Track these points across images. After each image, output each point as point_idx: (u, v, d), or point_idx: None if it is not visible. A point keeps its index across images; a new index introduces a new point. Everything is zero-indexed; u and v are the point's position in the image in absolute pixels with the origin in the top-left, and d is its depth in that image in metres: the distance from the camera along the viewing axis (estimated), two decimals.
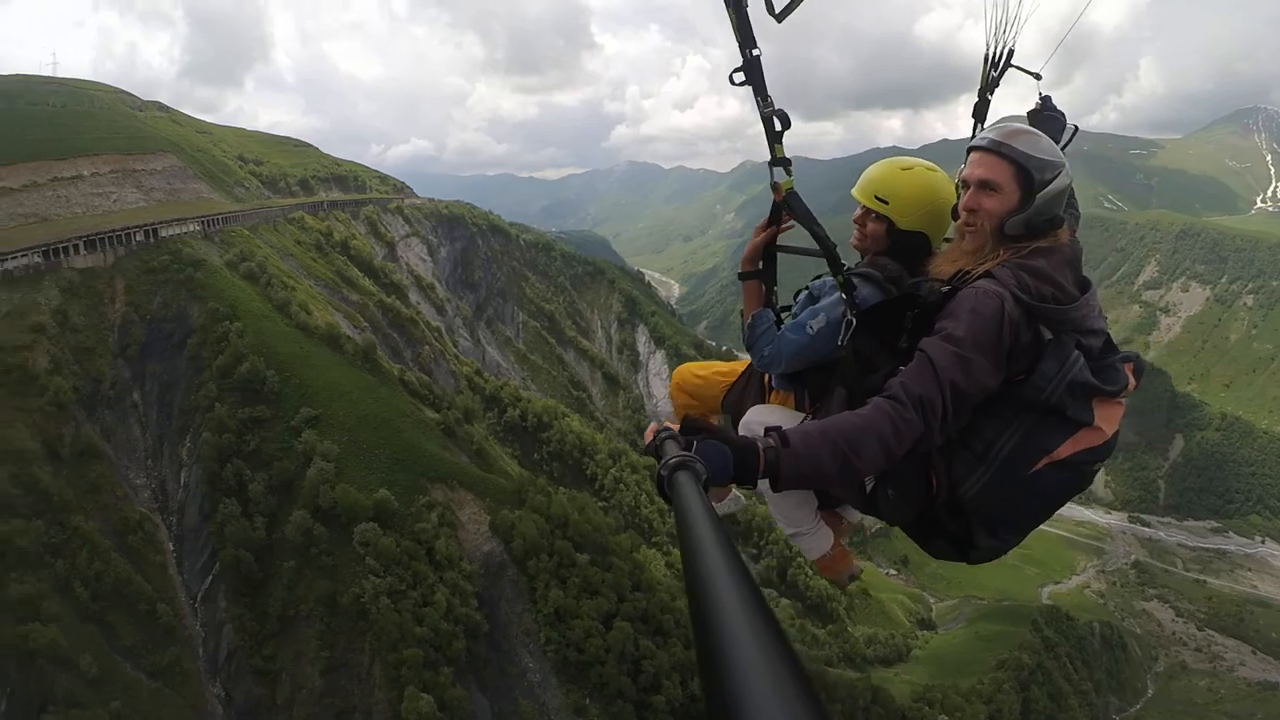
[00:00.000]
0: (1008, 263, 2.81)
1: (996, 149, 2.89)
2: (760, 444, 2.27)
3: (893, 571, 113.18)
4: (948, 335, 2.63)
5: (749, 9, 2.98)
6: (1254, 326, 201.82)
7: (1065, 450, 2.70)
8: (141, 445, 64.82)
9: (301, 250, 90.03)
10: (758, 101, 3.12)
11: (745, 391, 4.14)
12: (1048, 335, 2.70)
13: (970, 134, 3.59)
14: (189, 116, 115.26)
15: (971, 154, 3.00)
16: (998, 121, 3.42)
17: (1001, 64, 4.03)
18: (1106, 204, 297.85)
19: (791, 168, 3.35)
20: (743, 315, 3.81)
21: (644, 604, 59.05)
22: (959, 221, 3.03)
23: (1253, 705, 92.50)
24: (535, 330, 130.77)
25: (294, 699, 53.10)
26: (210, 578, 58.75)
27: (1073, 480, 2.79)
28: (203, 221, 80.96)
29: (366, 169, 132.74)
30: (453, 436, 71.10)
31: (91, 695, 47.58)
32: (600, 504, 77.49)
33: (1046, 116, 4.23)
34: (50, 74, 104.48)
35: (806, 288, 3.81)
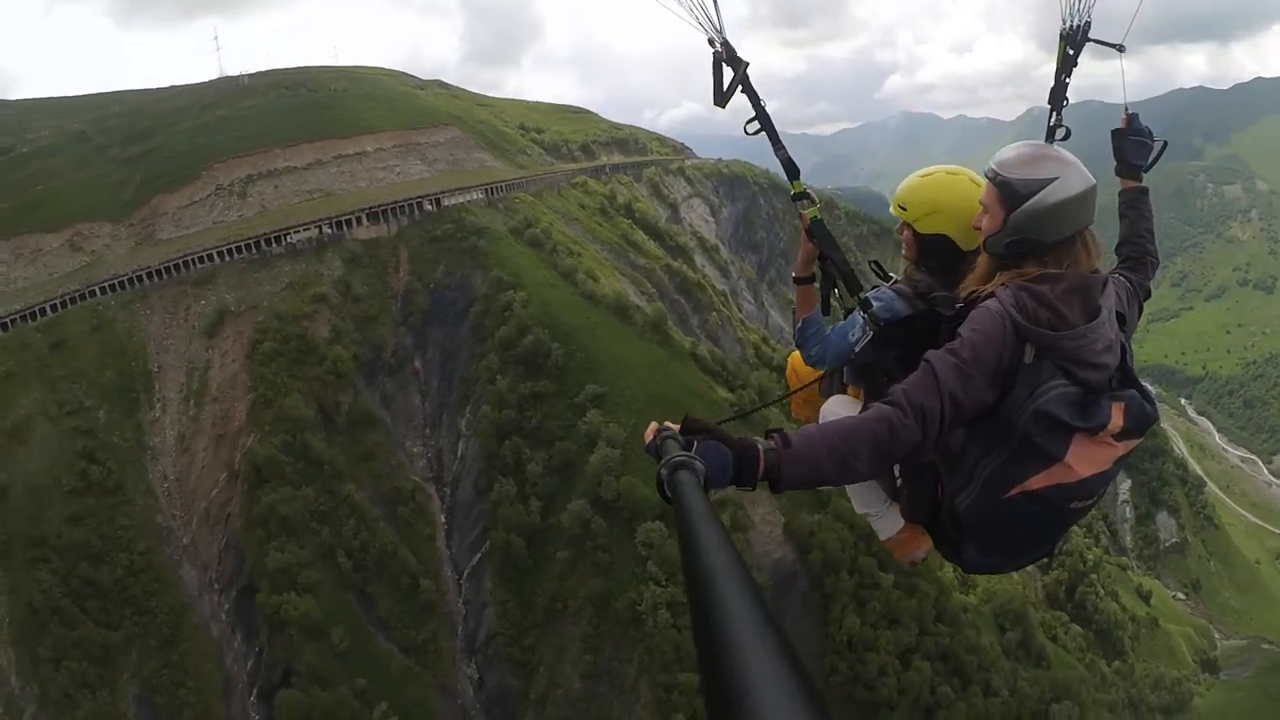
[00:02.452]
0: (1010, 284, 2.77)
1: (991, 174, 2.89)
2: (760, 446, 2.23)
3: (1181, 596, 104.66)
4: (952, 349, 2.61)
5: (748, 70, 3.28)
6: None
7: (1037, 483, 2.67)
8: (421, 413, 63.55)
9: (586, 215, 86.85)
10: (773, 147, 3.50)
11: (831, 381, 4.15)
12: (1028, 359, 2.64)
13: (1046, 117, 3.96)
14: (469, 92, 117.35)
15: None
16: (1038, 140, 3.31)
17: (1079, 40, 3.89)
18: None
19: (814, 197, 3.50)
20: (794, 315, 3.83)
21: (947, 640, 53.06)
22: None
23: None
24: None
25: (548, 697, 50.25)
26: (479, 556, 56.24)
27: (1051, 514, 2.77)
28: (486, 189, 79.82)
29: (645, 131, 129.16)
30: (747, 421, 61.99)
31: (337, 669, 47.43)
32: None
33: (1132, 140, 3.78)
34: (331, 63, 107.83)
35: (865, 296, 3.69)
